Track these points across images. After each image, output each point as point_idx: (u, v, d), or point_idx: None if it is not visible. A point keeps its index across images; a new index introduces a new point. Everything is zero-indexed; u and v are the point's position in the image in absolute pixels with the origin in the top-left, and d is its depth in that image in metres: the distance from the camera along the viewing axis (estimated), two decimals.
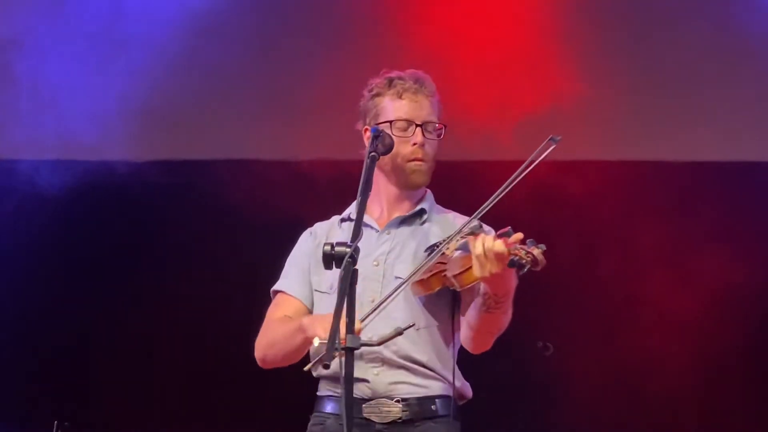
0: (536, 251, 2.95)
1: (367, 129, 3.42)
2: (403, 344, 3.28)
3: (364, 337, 3.02)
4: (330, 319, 2.88)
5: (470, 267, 3.06)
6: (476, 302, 3.18)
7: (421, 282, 3.23)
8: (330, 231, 3.47)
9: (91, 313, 5.67)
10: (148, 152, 5.60)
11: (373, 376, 3.30)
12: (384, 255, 3.38)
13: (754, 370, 5.57)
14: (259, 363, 3.43)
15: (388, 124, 3.37)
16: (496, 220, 3.17)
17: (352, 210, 3.43)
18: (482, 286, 3.12)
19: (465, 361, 3.40)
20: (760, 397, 5.54)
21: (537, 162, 3.13)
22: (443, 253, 3.19)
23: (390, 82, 3.41)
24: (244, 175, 5.47)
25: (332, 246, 2.91)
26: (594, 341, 5.45)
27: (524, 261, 2.95)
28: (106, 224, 5.64)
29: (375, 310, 3.17)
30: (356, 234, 2.96)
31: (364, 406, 3.29)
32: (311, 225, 3.54)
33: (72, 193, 5.37)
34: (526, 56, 5.39)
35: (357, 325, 2.94)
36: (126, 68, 5.39)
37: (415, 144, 3.37)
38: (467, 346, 3.33)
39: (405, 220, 3.44)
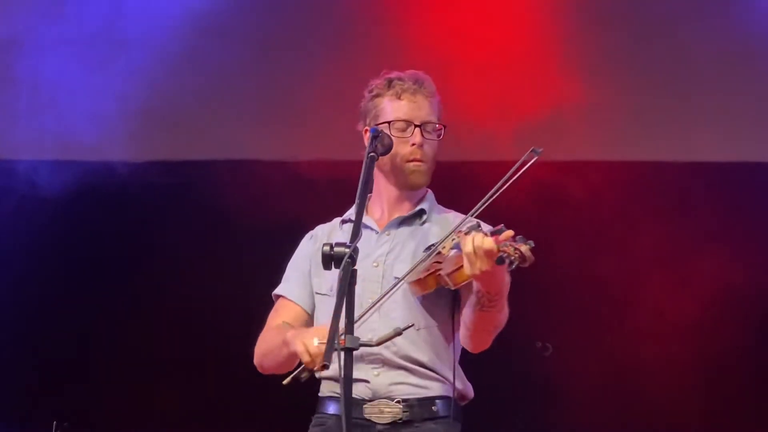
0: (524, 248, 2.95)
1: (367, 130, 3.42)
2: (403, 345, 3.28)
3: (364, 337, 3.02)
4: (313, 333, 3.01)
5: (462, 265, 3.07)
6: (470, 301, 3.18)
7: (418, 281, 3.23)
8: (331, 233, 3.47)
9: (91, 313, 5.67)
10: (147, 152, 5.60)
11: (373, 377, 3.30)
12: (383, 256, 3.38)
13: (754, 371, 5.57)
14: (257, 369, 3.45)
15: (387, 124, 3.37)
16: (496, 220, 3.16)
17: (353, 211, 3.43)
18: (474, 284, 3.12)
19: (464, 361, 3.40)
20: (760, 398, 5.54)
21: (519, 174, 3.14)
22: (439, 253, 3.20)
23: (389, 83, 3.41)
24: (244, 175, 5.47)
25: (331, 247, 2.92)
26: (594, 341, 5.45)
27: (512, 258, 2.95)
28: (105, 224, 5.64)
29: (370, 308, 3.18)
30: (355, 234, 2.96)
31: (364, 406, 3.29)
32: (310, 225, 3.54)
33: (72, 194, 5.37)
34: (527, 57, 5.39)
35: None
36: (126, 68, 5.39)
37: (413, 144, 3.37)
38: (466, 345, 3.33)
39: (405, 221, 3.44)
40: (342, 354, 2.83)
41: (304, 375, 3.14)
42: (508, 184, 3.14)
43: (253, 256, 5.32)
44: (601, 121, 5.49)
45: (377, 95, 3.42)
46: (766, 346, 5.53)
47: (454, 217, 3.43)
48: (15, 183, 5.41)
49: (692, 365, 5.39)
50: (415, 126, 3.38)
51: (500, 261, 2.97)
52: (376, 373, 3.30)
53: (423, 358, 3.31)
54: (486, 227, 3.18)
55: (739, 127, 5.56)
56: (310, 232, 3.53)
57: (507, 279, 3.14)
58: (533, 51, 5.38)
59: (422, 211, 3.44)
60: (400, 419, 3.29)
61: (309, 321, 3.44)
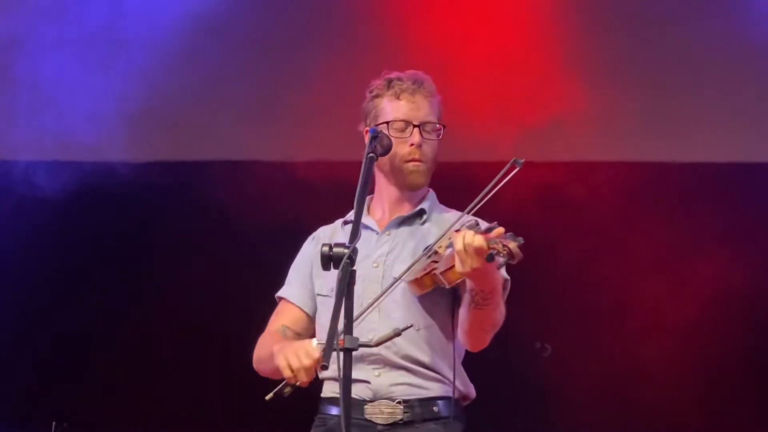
0: (512, 244, 2.94)
1: (367, 130, 3.42)
2: (403, 345, 3.28)
3: (364, 338, 3.02)
4: (297, 348, 3.09)
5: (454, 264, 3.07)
6: (465, 299, 3.19)
7: (416, 281, 3.23)
8: (333, 234, 3.48)
9: (91, 313, 5.67)
10: (147, 153, 5.60)
11: (374, 378, 3.30)
12: (383, 256, 3.38)
13: (754, 371, 5.57)
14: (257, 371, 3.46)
15: (386, 125, 3.38)
16: (497, 220, 3.16)
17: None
18: (468, 282, 3.12)
19: (464, 361, 3.40)
20: (760, 398, 5.54)
21: (501, 185, 3.14)
22: (436, 252, 3.20)
23: (389, 83, 3.42)
24: (243, 176, 5.47)
25: (330, 247, 2.91)
26: (594, 342, 5.44)
27: (501, 254, 2.95)
28: (105, 224, 5.64)
29: (368, 308, 3.18)
30: (354, 235, 2.96)
31: (365, 407, 3.29)
32: (309, 226, 3.55)
33: (71, 194, 5.36)
34: (527, 57, 5.38)
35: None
36: (126, 68, 5.38)
37: (412, 144, 3.37)
38: (464, 344, 3.33)
39: (405, 221, 3.44)
40: (341, 354, 2.83)
41: (287, 390, 3.15)
42: (489, 196, 3.14)
43: (252, 256, 5.32)
44: (602, 121, 5.49)
45: (377, 96, 3.43)
46: (766, 346, 5.53)
47: (453, 217, 3.42)
48: (14, 183, 5.40)
49: (692, 366, 5.39)
50: (414, 126, 3.38)
51: (490, 258, 2.97)
52: (376, 373, 3.30)
53: (424, 358, 3.31)
54: (484, 225, 3.18)
55: (739, 127, 5.55)
56: (312, 234, 3.54)
57: (500, 277, 3.14)
58: (533, 51, 5.38)
59: (422, 211, 3.44)
60: (400, 420, 3.29)
61: (309, 323, 3.46)
